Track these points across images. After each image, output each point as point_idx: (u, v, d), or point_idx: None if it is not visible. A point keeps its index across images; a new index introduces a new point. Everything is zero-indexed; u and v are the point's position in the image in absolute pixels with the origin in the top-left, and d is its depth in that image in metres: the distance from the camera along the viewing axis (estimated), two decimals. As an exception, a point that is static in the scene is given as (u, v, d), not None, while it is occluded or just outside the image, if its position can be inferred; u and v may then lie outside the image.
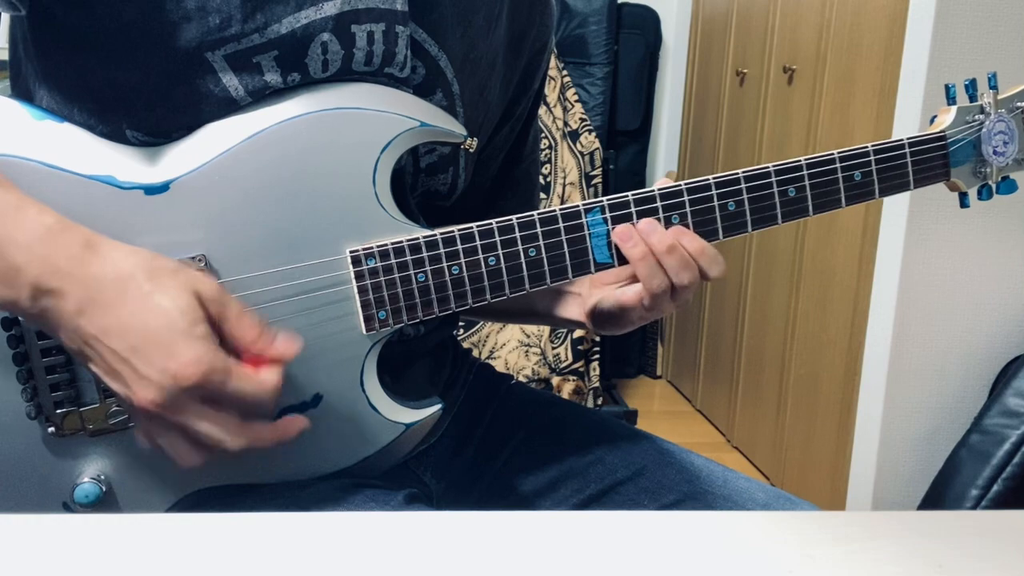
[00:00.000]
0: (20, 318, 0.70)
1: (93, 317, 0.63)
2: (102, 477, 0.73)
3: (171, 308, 0.63)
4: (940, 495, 1.73)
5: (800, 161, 0.78)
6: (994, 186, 0.86)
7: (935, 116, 0.85)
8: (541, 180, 2.63)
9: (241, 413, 0.65)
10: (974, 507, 1.64)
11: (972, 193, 0.86)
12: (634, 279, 0.79)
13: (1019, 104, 0.85)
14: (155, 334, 0.62)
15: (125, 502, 0.74)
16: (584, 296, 0.88)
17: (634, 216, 0.77)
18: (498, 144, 0.94)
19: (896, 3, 1.91)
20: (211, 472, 0.74)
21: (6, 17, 0.77)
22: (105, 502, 0.73)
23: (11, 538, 0.56)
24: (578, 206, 0.76)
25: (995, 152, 0.84)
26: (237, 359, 0.65)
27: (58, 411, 0.71)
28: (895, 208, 1.90)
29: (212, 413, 0.64)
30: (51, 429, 0.71)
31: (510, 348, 2.61)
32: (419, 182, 0.83)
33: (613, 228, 0.76)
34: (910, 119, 1.84)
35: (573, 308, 0.89)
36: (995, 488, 1.65)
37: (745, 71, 2.72)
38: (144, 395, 0.63)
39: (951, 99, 0.84)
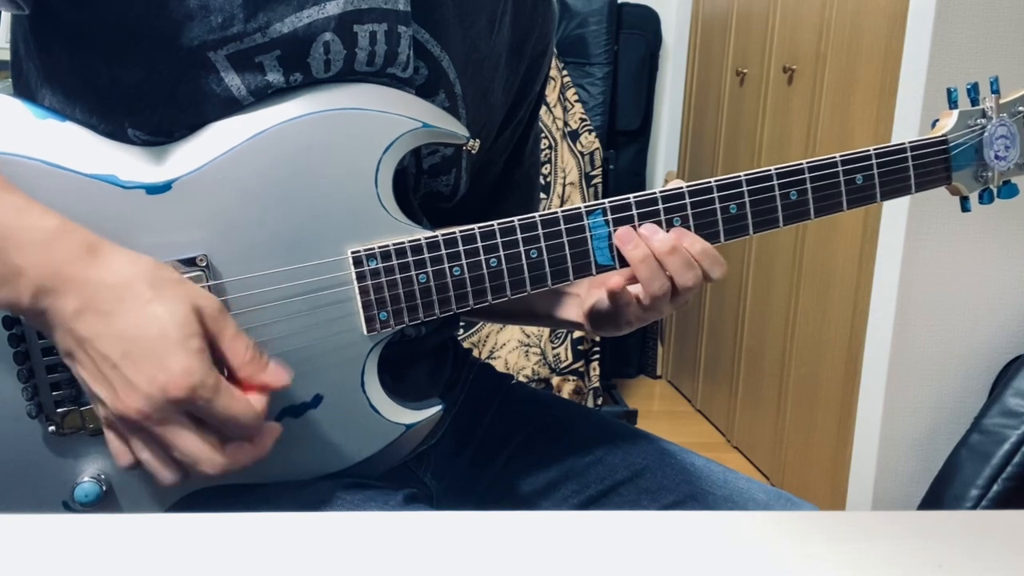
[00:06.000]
0: (20, 317, 0.70)
1: (88, 320, 0.62)
2: (102, 476, 0.73)
3: (167, 318, 0.62)
4: (940, 495, 1.73)
5: (802, 164, 0.78)
6: (995, 190, 0.86)
7: (937, 120, 0.85)
8: (541, 180, 2.63)
9: (222, 436, 0.65)
10: (974, 507, 1.64)
11: (973, 197, 0.86)
12: (633, 281, 0.78)
13: (1021, 108, 0.85)
14: (148, 343, 0.62)
15: (125, 501, 0.74)
16: (583, 297, 0.87)
17: (635, 218, 0.77)
18: (500, 147, 0.93)
19: (896, 3, 1.91)
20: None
21: (7, 17, 0.77)
22: (105, 501, 0.73)
23: (11, 538, 0.56)
24: (579, 208, 0.76)
25: (997, 156, 0.84)
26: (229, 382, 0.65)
27: (58, 410, 0.71)
28: (895, 208, 1.90)
29: (193, 431, 0.63)
30: (51, 428, 0.71)
31: (510, 348, 2.61)
32: (421, 183, 0.83)
33: (615, 230, 0.76)
34: (910, 119, 1.84)
35: (572, 309, 0.89)
36: (995, 488, 1.65)
37: (745, 71, 2.72)
38: (130, 403, 0.62)
39: (953, 103, 0.84)
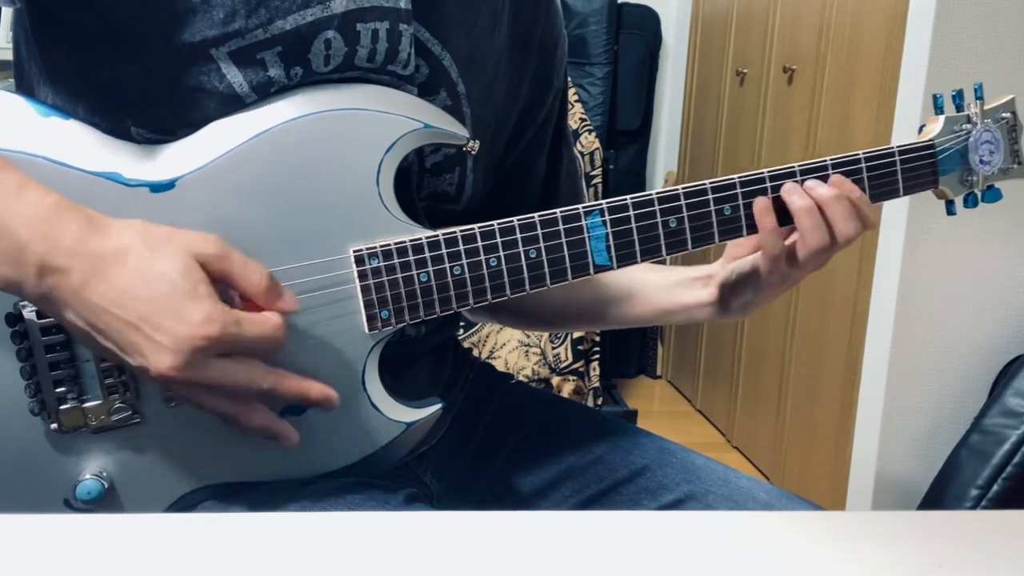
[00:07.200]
0: (23, 310, 0.70)
1: (97, 289, 0.63)
2: (104, 474, 0.73)
3: (172, 272, 0.64)
4: (940, 495, 1.73)
5: (794, 167, 0.80)
6: (980, 194, 0.88)
7: (923, 125, 0.87)
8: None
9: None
10: (974, 507, 1.65)
11: (958, 201, 0.88)
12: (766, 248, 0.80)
13: (1004, 115, 0.87)
14: (161, 300, 0.63)
15: (127, 499, 0.74)
16: (715, 275, 0.88)
17: (633, 219, 0.77)
18: (529, 148, 0.93)
19: (896, 3, 1.91)
20: (213, 470, 0.75)
21: (8, 17, 0.77)
22: (107, 499, 0.73)
23: (11, 538, 0.57)
24: (578, 208, 0.76)
25: (981, 161, 0.86)
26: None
27: (61, 407, 0.71)
28: (895, 208, 1.90)
29: (233, 363, 0.65)
30: (54, 425, 0.72)
31: (510, 348, 2.61)
32: (425, 182, 0.84)
33: (772, 194, 0.78)
34: (910, 120, 1.84)
35: (698, 291, 0.89)
36: (995, 488, 1.65)
37: (745, 71, 2.72)
38: (163, 364, 0.63)
39: (939, 109, 0.86)
